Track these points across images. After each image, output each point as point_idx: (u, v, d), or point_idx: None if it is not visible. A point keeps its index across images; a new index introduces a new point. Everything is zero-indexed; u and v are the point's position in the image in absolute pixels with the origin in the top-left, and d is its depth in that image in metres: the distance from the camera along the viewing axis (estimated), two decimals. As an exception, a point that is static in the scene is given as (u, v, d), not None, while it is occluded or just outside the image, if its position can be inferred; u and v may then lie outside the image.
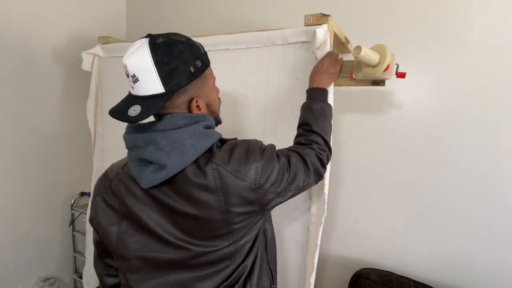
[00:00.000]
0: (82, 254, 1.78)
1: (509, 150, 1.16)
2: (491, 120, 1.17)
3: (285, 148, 0.81)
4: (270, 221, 0.86)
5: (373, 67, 0.92)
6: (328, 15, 0.97)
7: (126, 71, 0.65)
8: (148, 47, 0.63)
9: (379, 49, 0.90)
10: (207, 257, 0.70)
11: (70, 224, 1.80)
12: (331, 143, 0.89)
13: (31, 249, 1.63)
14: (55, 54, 1.62)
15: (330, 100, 0.96)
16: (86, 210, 1.65)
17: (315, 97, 0.91)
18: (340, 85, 1.13)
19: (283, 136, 1.10)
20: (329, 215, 1.43)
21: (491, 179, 1.19)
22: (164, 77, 0.63)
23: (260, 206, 0.70)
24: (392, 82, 1.06)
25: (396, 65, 0.93)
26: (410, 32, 1.26)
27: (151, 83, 0.63)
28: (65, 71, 1.67)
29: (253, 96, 1.14)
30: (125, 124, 0.70)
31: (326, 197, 0.99)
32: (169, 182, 0.66)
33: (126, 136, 0.70)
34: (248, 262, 0.74)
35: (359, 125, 1.38)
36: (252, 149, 0.70)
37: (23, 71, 1.50)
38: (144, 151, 0.65)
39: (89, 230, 1.65)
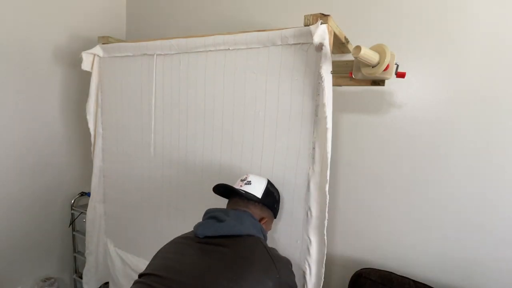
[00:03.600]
0: (82, 254, 1.78)
1: (509, 150, 1.16)
2: (492, 120, 1.17)
3: None
4: None
5: (372, 67, 0.92)
6: (328, 15, 0.97)
7: (246, 178, 1.03)
8: (267, 182, 1.04)
9: (379, 49, 0.90)
10: None
11: (70, 224, 1.80)
12: None
13: (31, 249, 1.63)
14: (55, 54, 1.62)
15: (329, 101, 0.97)
16: (86, 210, 1.65)
17: None
18: (340, 85, 1.13)
19: (282, 132, 1.10)
20: (328, 215, 1.44)
21: (492, 179, 1.19)
22: (265, 194, 1.01)
23: None
24: (392, 82, 1.06)
25: (395, 65, 0.93)
26: (410, 32, 1.26)
27: (257, 190, 1.00)
28: (65, 71, 1.67)
29: (253, 96, 1.14)
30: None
31: (327, 200, 1.00)
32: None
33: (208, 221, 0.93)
34: None
35: (359, 125, 1.38)
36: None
37: (23, 71, 1.50)
38: (217, 214, 0.92)
39: (89, 230, 1.65)
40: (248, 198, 0.97)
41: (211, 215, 0.93)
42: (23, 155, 1.55)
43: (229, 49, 1.16)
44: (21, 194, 1.56)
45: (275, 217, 1.07)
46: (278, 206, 1.08)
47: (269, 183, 1.05)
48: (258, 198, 0.98)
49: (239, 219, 0.90)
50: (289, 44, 1.05)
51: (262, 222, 0.98)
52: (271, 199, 1.03)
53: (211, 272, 0.77)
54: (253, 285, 0.76)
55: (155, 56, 1.35)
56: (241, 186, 1.01)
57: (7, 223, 1.52)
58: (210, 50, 1.20)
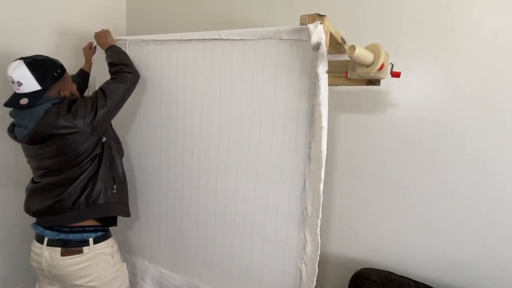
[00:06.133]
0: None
1: (507, 150, 1.15)
2: (489, 120, 1.17)
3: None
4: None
5: (367, 66, 0.92)
6: (324, 15, 0.98)
7: (12, 79, 1.06)
8: (25, 64, 1.06)
9: (374, 48, 0.90)
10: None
11: (71, 225, 1.81)
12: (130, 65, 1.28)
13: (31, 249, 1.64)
14: (55, 54, 1.62)
15: (325, 100, 0.97)
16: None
17: (107, 49, 1.35)
18: (336, 85, 1.14)
19: (278, 130, 1.11)
20: (328, 216, 1.44)
21: (490, 179, 1.18)
22: (40, 80, 1.08)
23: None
24: (387, 81, 1.06)
25: (390, 65, 0.93)
26: (406, 32, 1.26)
27: (32, 85, 1.07)
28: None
29: (249, 95, 1.15)
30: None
31: (321, 199, 1.00)
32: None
33: (11, 112, 1.16)
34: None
35: (355, 125, 1.38)
36: None
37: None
38: (17, 119, 1.15)
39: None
40: (34, 100, 1.08)
41: (17, 124, 1.15)
42: (23, 155, 1.56)
43: (222, 38, 1.16)
44: (21, 193, 1.57)
45: (65, 70, 1.19)
46: (59, 64, 1.17)
47: (28, 63, 1.07)
48: (39, 88, 1.08)
49: (31, 117, 1.10)
50: (282, 39, 1.05)
51: (62, 94, 1.16)
52: (46, 74, 1.10)
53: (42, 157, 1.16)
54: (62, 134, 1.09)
55: (153, 44, 1.34)
56: (18, 89, 1.08)
57: (7, 223, 1.53)
58: (206, 39, 1.20)
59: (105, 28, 1.43)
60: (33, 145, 1.14)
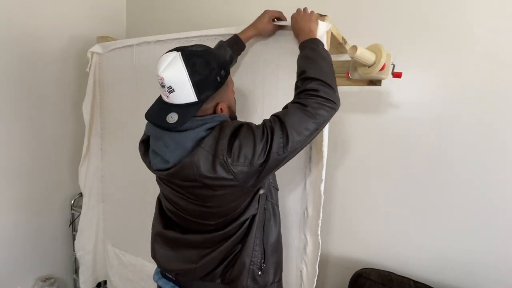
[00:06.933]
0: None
1: (508, 150, 1.15)
2: (490, 120, 1.17)
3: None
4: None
5: (369, 67, 0.92)
6: (325, 15, 0.98)
7: (162, 82, 0.73)
8: (182, 60, 0.72)
9: (375, 49, 0.90)
10: None
11: (70, 224, 1.81)
12: (332, 83, 0.83)
13: (31, 249, 1.64)
14: (55, 54, 1.62)
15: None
16: (85, 210, 1.65)
17: (307, 46, 0.88)
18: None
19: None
20: (328, 216, 1.44)
21: (491, 179, 1.19)
22: (197, 88, 0.72)
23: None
24: (388, 82, 1.06)
25: (392, 65, 0.94)
26: (407, 32, 1.26)
27: (185, 93, 0.73)
28: (64, 71, 1.67)
29: (251, 92, 1.14)
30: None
31: (321, 200, 0.99)
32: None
33: (148, 125, 0.84)
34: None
35: (356, 125, 1.38)
36: None
37: (23, 71, 1.51)
38: (156, 143, 0.79)
39: (86, 230, 1.65)
40: (184, 119, 0.73)
41: (153, 149, 0.81)
42: (23, 155, 1.55)
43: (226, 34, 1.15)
44: (21, 194, 1.56)
45: (229, 71, 0.81)
46: (224, 66, 0.79)
47: (187, 57, 0.72)
48: (194, 100, 0.73)
49: (175, 147, 0.75)
50: (284, 38, 1.04)
51: (218, 108, 0.79)
52: (206, 78, 0.73)
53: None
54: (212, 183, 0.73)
55: (152, 43, 1.32)
56: (167, 97, 0.75)
57: (7, 223, 1.53)
58: (209, 35, 1.18)
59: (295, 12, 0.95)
60: (172, 179, 0.81)
